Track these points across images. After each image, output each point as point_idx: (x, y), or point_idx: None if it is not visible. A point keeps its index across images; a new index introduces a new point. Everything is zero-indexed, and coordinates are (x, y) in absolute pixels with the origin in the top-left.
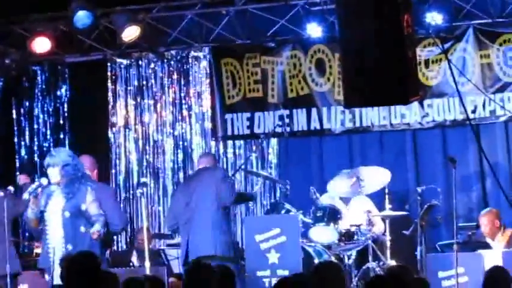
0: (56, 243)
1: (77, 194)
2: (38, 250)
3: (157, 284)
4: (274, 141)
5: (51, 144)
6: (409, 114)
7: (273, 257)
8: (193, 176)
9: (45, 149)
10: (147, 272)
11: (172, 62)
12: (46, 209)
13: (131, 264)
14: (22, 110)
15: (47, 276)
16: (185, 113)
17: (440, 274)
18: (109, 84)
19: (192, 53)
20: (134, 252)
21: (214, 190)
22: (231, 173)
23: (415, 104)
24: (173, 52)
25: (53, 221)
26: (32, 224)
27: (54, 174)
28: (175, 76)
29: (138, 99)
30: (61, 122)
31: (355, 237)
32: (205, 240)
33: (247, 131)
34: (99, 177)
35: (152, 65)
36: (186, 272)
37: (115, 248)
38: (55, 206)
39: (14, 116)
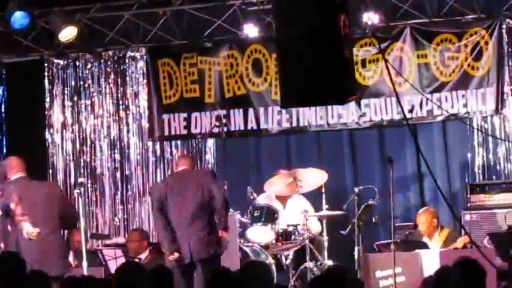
0: None
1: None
2: None
3: (95, 284)
4: (211, 141)
5: None
6: (346, 114)
7: None
8: None
9: None
10: (85, 272)
11: (109, 63)
12: None
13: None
14: None
15: None
16: (122, 113)
17: (378, 274)
18: (46, 84)
19: (129, 53)
20: (71, 253)
21: None
22: (167, 173)
23: (352, 104)
24: (110, 52)
25: None
26: None
27: None
28: (112, 76)
29: (75, 100)
30: None
31: (293, 237)
32: None
33: (184, 131)
34: (35, 177)
35: (89, 66)
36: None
37: None
38: None
39: None
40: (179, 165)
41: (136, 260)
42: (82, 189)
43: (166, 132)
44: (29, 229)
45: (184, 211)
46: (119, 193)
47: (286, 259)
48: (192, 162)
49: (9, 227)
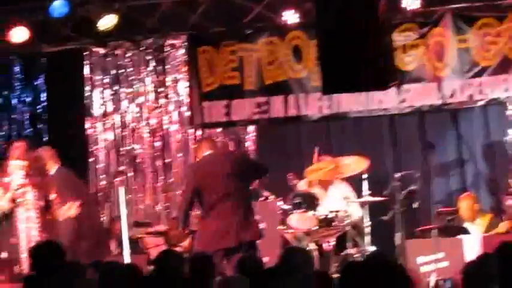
0: None
1: None
2: None
3: (134, 272)
4: (251, 128)
5: (30, 134)
6: (387, 100)
7: None
8: None
9: (23, 139)
10: (126, 260)
11: (149, 51)
12: None
13: (110, 252)
14: (0, 100)
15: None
16: (162, 101)
17: (419, 260)
18: (86, 73)
19: (169, 41)
20: (113, 241)
21: None
22: None
23: (393, 90)
24: (150, 40)
25: None
26: None
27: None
28: (152, 64)
29: (115, 88)
30: (39, 111)
31: (334, 223)
32: None
33: (224, 119)
34: (76, 166)
35: (129, 54)
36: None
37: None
38: None
39: None
40: (204, 149)
41: (178, 247)
42: (123, 177)
43: (206, 120)
44: (65, 211)
45: (225, 195)
46: (160, 181)
47: (327, 245)
48: (216, 144)
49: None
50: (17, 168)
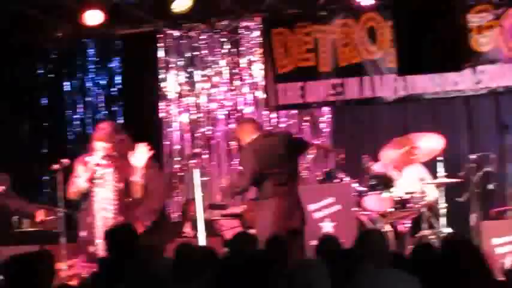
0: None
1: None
2: None
3: (210, 254)
4: (326, 109)
5: (104, 117)
6: (462, 81)
7: (328, 226)
8: None
9: (97, 121)
10: (202, 242)
11: (223, 32)
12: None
13: (184, 234)
14: (75, 83)
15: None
16: (237, 83)
17: (494, 241)
18: (160, 55)
19: (244, 23)
20: (188, 223)
21: None
22: None
23: (468, 71)
24: (225, 22)
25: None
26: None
27: (106, 148)
28: (227, 46)
29: (190, 70)
30: (113, 94)
31: (409, 205)
32: None
33: (299, 100)
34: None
35: (204, 36)
36: None
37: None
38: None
39: (67, 88)
40: (252, 131)
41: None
42: (198, 159)
43: (281, 101)
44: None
45: (284, 176)
46: (235, 163)
47: (403, 227)
48: (261, 126)
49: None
50: (99, 149)
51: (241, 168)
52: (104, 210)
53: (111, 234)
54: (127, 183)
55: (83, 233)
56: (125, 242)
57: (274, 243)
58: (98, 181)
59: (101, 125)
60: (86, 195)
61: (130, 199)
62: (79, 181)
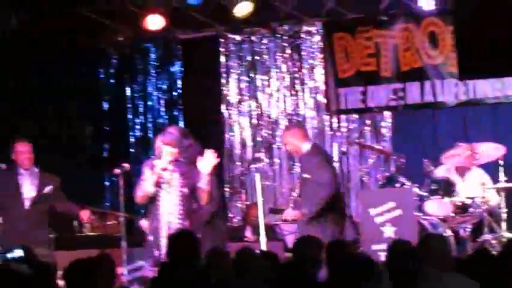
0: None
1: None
2: None
3: (272, 258)
4: (387, 114)
5: (165, 121)
6: None
7: (388, 231)
8: None
9: (158, 125)
10: (263, 247)
11: (285, 37)
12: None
13: (245, 239)
14: (136, 87)
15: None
16: (298, 87)
17: None
18: (222, 60)
19: (305, 28)
20: (249, 228)
21: None
22: (345, 147)
23: None
24: (286, 27)
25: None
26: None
27: (173, 153)
28: (288, 51)
29: (251, 75)
30: (174, 98)
31: (471, 209)
32: None
33: (360, 105)
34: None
35: (265, 41)
36: None
37: (230, 223)
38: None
39: (128, 93)
40: (306, 139)
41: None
42: (259, 164)
43: (342, 106)
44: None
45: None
46: (296, 167)
47: (464, 232)
48: None
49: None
50: (166, 153)
51: (317, 176)
52: (169, 215)
53: (172, 240)
54: (193, 189)
55: (150, 237)
56: (186, 247)
57: (337, 248)
58: (164, 185)
59: (169, 129)
60: (153, 199)
61: (196, 205)
62: (146, 185)
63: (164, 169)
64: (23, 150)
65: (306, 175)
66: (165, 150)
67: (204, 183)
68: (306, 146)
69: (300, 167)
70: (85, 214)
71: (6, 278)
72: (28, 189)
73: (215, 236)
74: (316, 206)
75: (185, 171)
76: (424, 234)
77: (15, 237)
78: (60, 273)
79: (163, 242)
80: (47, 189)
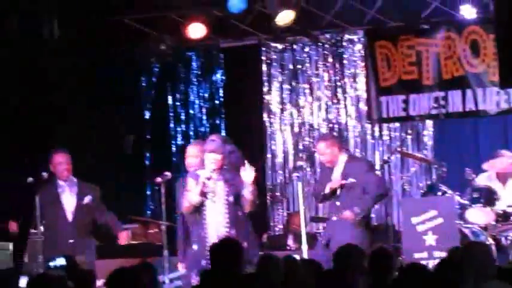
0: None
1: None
2: None
3: (313, 266)
4: (429, 123)
5: (207, 130)
6: None
7: (430, 239)
8: None
9: (200, 134)
10: (304, 255)
11: (326, 46)
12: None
13: (287, 247)
14: (177, 96)
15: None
16: (340, 96)
17: None
18: (263, 68)
19: (347, 36)
20: (290, 236)
21: None
22: (386, 155)
23: None
24: (328, 36)
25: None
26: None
27: (217, 160)
28: (330, 60)
29: (293, 83)
30: (216, 106)
31: None
32: None
33: (402, 114)
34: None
35: (306, 49)
36: None
37: (271, 232)
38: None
39: (170, 101)
40: (342, 149)
41: None
42: (301, 172)
43: (384, 115)
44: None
45: None
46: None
47: (505, 240)
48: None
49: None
50: (210, 161)
51: (367, 179)
52: (216, 224)
53: (215, 248)
54: (237, 196)
55: (194, 246)
56: (229, 255)
57: (381, 257)
58: (209, 195)
59: (211, 137)
60: (198, 209)
61: (240, 213)
62: (191, 195)
63: (209, 178)
64: (61, 161)
65: (351, 179)
66: (209, 158)
67: (247, 192)
68: (343, 156)
69: (342, 175)
70: (123, 236)
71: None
72: (68, 200)
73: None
74: (369, 203)
75: (229, 178)
76: (467, 243)
77: (58, 246)
78: (102, 281)
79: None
80: (86, 199)
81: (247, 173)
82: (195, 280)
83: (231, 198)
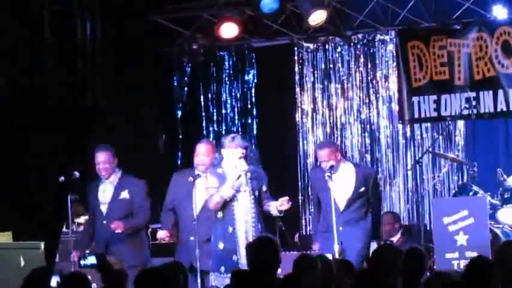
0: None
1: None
2: None
3: (346, 266)
4: (460, 123)
5: (239, 129)
6: None
7: (461, 239)
8: None
9: (233, 133)
10: (337, 255)
11: (359, 46)
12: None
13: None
14: (210, 95)
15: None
16: (372, 96)
17: None
18: (296, 68)
19: (379, 36)
20: None
21: None
22: (418, 155)
23: None
24: (360, 36)
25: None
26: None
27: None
28: (361, 60)
29: (325, 83)
30: (248, 106)
31: None
32: None
33: (434, 114)
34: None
35: (339, 49)
36: None
37: (303, 231)
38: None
39: (202, 101)
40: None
41: (389, 242)
42: (333, 172)
43: (416, 115)
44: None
45: None
46: None
47: None
48: None
49: None
50: (237, 156)
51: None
52: (244, 218)
53: (251, 248)
54: (260, 192)
55: (220, 245)
56: (268, 254)
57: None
58: (242, 187)
59: (226, 137)
60: (227, 205)
61: (260, 208)
62: (224, 190)
63: (236, 174)
64: (98, 161)
65: (363, 189)
66: (237, 153)
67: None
68: (348, 163)
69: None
70: (161, 234)
71: (77, 285)
72: (104, 194)
73: None
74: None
75: (254, 171)
76: (505, 241)
77: (96, 241)
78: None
79: (240, 247)
80: (123, 194)
81: (279, 207)
82: (225, 278)
83: (256, 193)
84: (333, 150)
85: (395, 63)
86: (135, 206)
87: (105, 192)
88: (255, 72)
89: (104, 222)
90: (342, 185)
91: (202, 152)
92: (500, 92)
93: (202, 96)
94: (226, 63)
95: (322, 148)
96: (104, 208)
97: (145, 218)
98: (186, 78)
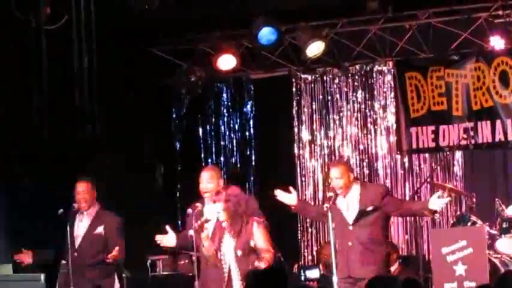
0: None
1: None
2: None
3: None
4: (459, 153)
5: (238, 161)
6: None
7: (460, 269)
8: None
9: (231, 165)
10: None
11: (356, 77)
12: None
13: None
14: (208, 127)
15: None
16: (370, 127)
17: None
18: (294, 99)
19: (376, 67)
20: (321, 266)
21: None
22: (417, 186)
23: None
24: (357, 67)
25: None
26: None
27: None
28: (360, 90)
29: (323, 114)
30: (247, 138)
31: None
32: None
33: (432, 144)
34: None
35: (337, 80)
36: None
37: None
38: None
39: (200, 133)
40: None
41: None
42: (331, 203)
43: (414, 145)
44: None
45: None
46: None
47: None
48: None
49: None
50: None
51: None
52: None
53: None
54: None
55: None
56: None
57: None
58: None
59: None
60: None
61: None
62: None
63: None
64: (79, 191)
65: (370, 207)
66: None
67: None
68: (357, 183)
69: (360, 202)
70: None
71: None
72: (78, 228)
73: None
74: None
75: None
76: (505, 271)
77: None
78: None
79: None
80: (98, 229)
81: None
82: None
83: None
84: (346, 169)
85: (393, 94)
86: (110, 242)
87: (81, 223)
88: (253, 103)
89: (75, 254)
90: (346, 206)
91: (203, 178)
92: (498, 122)
93: (200, 128)
94: (225, 95)
95: (335, 166)
96: (77, 240)
97: (122, 256)
98: (184, 110)
